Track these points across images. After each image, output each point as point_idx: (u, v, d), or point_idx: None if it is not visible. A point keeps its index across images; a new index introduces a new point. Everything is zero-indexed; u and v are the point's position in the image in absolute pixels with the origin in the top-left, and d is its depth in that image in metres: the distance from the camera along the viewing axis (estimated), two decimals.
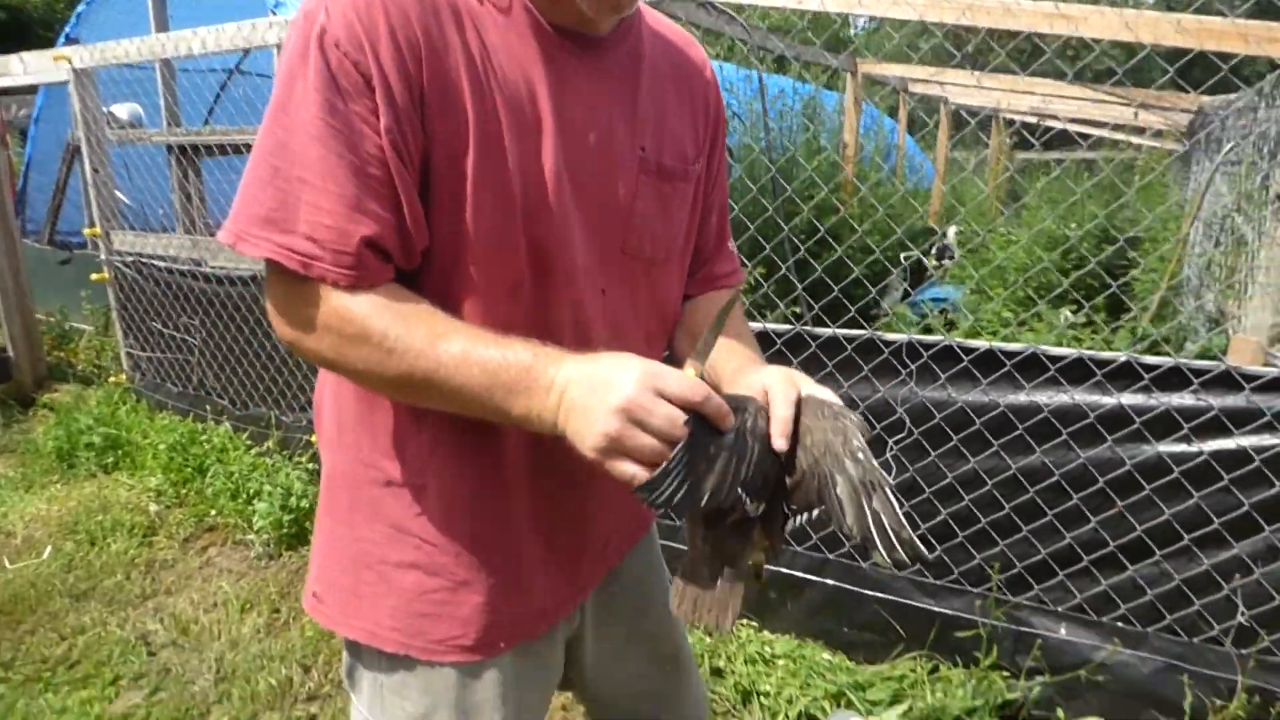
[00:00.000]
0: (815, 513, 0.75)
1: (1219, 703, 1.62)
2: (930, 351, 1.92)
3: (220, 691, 2.12)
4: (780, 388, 0.80)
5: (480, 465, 0.88)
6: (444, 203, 0.77)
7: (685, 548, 0.79)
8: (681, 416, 0.68)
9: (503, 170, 0.77)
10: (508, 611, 0.93)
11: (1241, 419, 1.62)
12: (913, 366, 1.94)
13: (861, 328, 2.04)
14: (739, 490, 0.71)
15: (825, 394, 0.81)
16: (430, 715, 0.92)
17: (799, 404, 0.79)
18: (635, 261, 0.92)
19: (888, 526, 0.68)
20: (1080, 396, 1.77)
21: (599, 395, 0.69)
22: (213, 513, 3.06)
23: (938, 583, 1.94)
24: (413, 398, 0.81)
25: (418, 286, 0.80)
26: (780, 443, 0.76)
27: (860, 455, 0.72)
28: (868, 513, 0.69)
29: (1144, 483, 1.70)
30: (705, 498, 0.69)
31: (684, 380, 0.71)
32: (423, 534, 0.89)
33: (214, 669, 2.21)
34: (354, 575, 0.92)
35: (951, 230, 5.18)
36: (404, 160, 0.74)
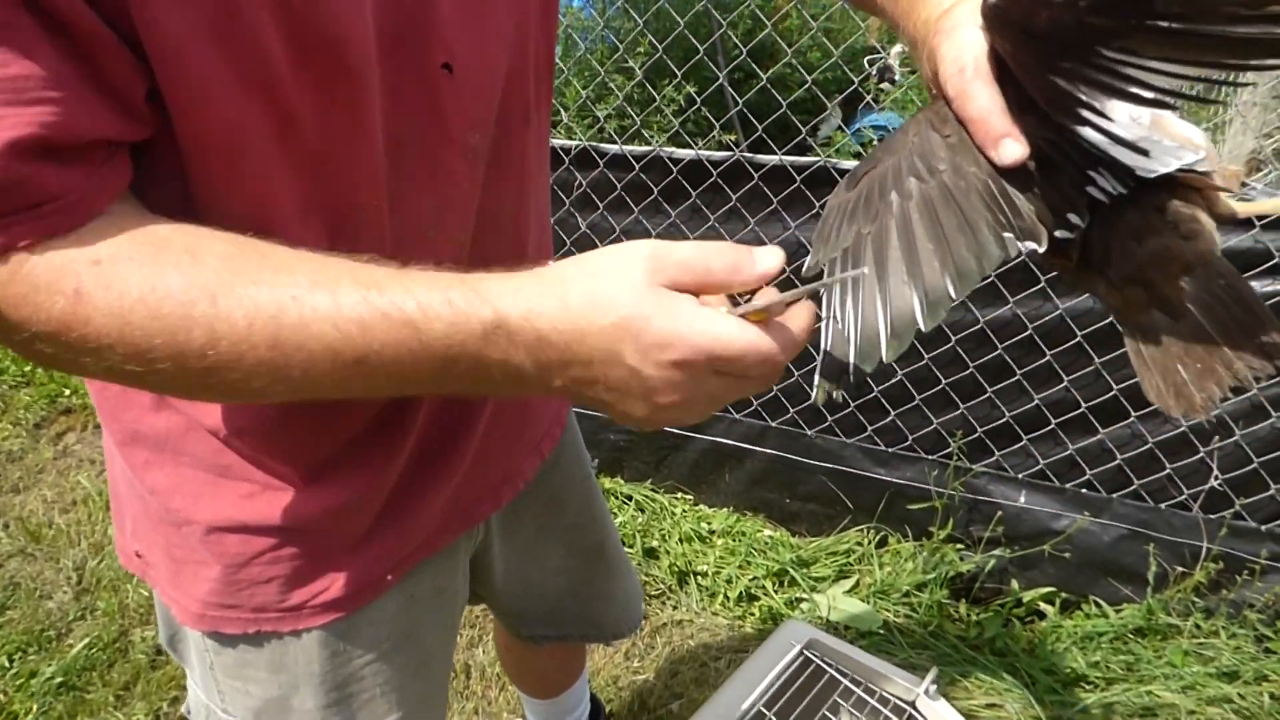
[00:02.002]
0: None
1: (1181, 570, 1.52)
2: None
3: (82, 606, 1.84)
4: (946, 71, 0.48)
5: None
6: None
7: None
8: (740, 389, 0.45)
9: None
10: (393, 541, 0.69)
11: (1243, 262, 1.41)
12: None
13: (811, 154, 1.71)
14: (1005, 235, 0.44)
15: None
16: (288, 699, 0.68)
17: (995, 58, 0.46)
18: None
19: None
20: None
21: (626, 397, 0.46)
22: (67, 392, 2.64)
23: (889, 450, 1.76)
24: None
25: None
26: (1004, 153, 0.45)
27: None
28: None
29: None
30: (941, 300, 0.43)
31: (747, 345, 0.43)
32: (255, 476, 0.62)
33: (74, 580, 1.92)
34: (162, 534, 0.65)
35: (895, 49, 4.74)
36: None
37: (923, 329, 0.43)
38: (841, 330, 0.45)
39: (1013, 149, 0.44)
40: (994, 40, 0.44)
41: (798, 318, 0.44)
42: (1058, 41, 0.39)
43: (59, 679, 1.63)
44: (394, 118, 0.52)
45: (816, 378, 0.46)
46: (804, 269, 0.49)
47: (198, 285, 0.40)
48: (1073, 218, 0.45)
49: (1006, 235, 0.44)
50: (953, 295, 0.43)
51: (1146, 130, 0.43)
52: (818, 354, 0.46)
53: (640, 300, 0.42)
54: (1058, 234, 0.45)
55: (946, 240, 0.44)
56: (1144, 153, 0.43)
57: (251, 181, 0.48)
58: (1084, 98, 0.40)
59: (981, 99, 0.45)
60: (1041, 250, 0.45)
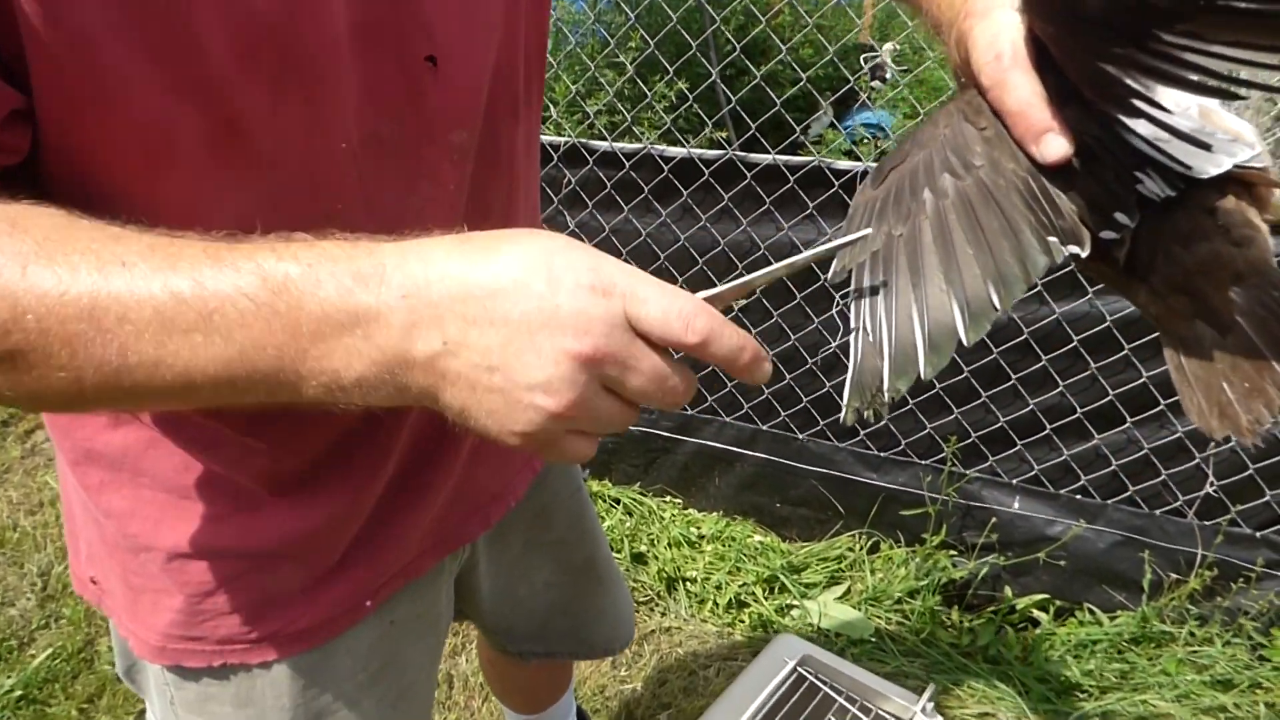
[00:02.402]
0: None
1: (1175, 577, 1.50)
2: None
3: (46, 613, 1.78)
4: (980, 58, 0.43)
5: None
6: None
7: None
8: (667, 371, 0.38)
9: None
10: (373, 565, 0.65)
11: None
12: None
13: (805, 154, 1.67)
14: (1052, 237, 0.40)
15: None
16: None
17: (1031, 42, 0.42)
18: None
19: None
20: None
21: (530, 341, 0.36)
22: None
23: (882, 455, 1.73)
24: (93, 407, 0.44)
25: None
26: (1047, 149, 0.41)
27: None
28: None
29: (1123, 341, 1.48)
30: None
31: (675, 305, 0.37)
32: (223, 496, 0.58)
33: (38, 586, 1.85)
34: (118, 560, 0.62)
35: (888, 47, 4.71)
36: None
37: (965, 343, 0.39)
38: (873, 343, 0.41)
39: (1057, 145, 0.40)
40: (1034, 23, 0.40)
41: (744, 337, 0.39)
42: (1110, 25, 0.35)
43: (19, 692, 1.56)
44: (370, 116, 0.48)
45: (846, 395, 0.41)
46: (830, 274, 0.45)
47: (9, 254, 0.34)
48: (1120, 217, 0.41)
49: (1051, 240, 0.40)
50: (997, 305, 0.39)
51: (1198, 122, 0.40)
52: (848, 368, 0.42)
53: (557, 238, 0.38)
54: (1102, 235, 0.41)
55: (988, 244, 0.40)
56: (1206, 146, 0.39)
57: (175, 193, 0.43)
58: (1139, 88, 0.36)
59: (1021, 89, 0.41)
60: (1085, 255, 0.41)
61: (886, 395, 0.40)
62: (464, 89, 0.52)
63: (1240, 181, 0.41)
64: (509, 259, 0.36)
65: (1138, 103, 0.37)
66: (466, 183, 0.57)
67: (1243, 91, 0.36)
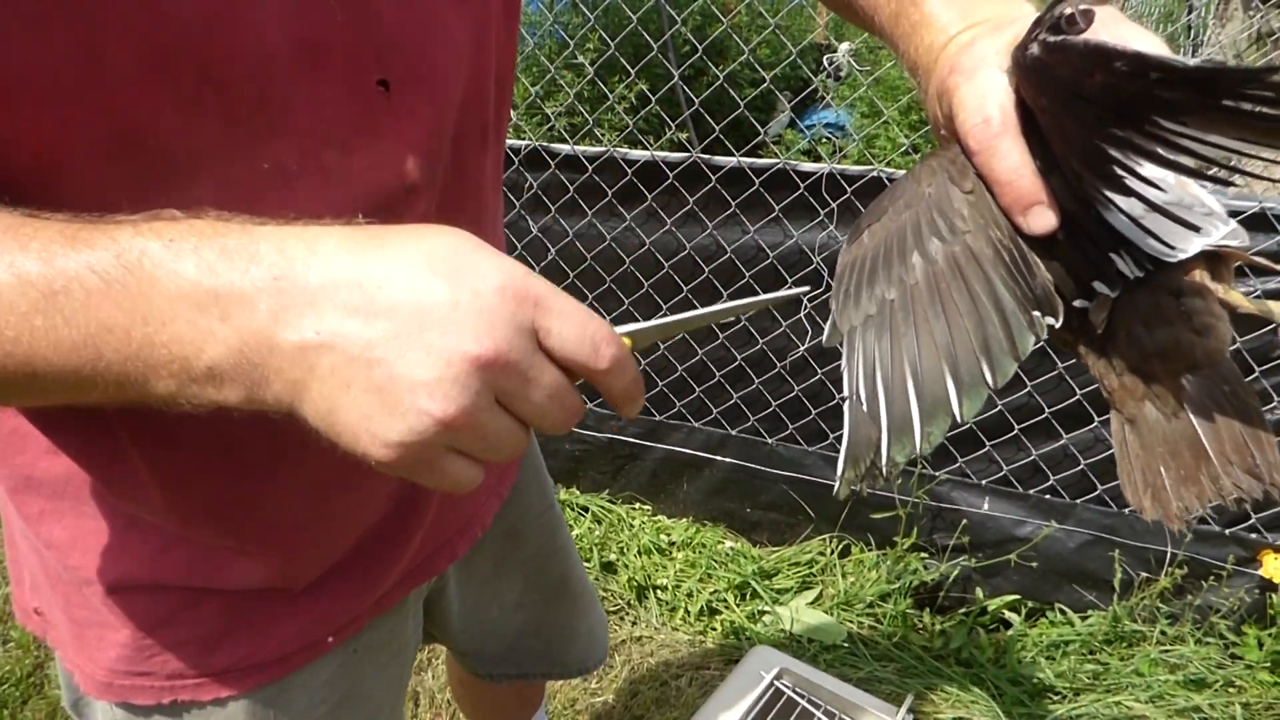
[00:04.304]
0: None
1: (1145, 575, 1.51)
2: (855, 185, 1.56)
3: None
4: (968, 120, 0.41)
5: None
6: None
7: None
8: (569, 388, 0.36)
9: None
10: (338, 600, 0.63)
11: None
12: (834, 205, 1.59)
13: (768, 156, 1.65)
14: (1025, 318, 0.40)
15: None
16: None
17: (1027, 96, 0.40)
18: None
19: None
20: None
21: (419, 337, 0.32)
22: None
23: None
24: None
25: None
26: (1034, 222, 0.40)
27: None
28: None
29: None
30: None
31: (589, 326, 0.35)
32: (170, 526, 0.55)
33: None
34: (60, 593, 0.59)
35: (844, 47, 4.74)
36: None
37: (959, 420, 0.38)
38: (866, 412, 0.39)
39: (1045, 219, 0.40)
40: (1028, 93, 0.39)
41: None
42: (1110, 107, 0.33)
43: None
44: (312, 142, 0.44)
45: (840, 466, 0.40)
46: (824, 338, 0.44)
47: None
48: (1100, 286, 0.41)
49: (1035, 314, 0.40)
50: (990, 382, 0.38)
51: (1177, 193, 0.39)
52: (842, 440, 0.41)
53: (469, 237, 0.35)
54: (1075, 303, 0.41)
55: (979, 316, 0.40)
56: (1190, 226, 0.38)
57: (76, 206, 0.39)
58: (1131, 165, 0.35)
59: (1011, 158, 0.40)
60: (1058, 325, 0.41)
61: (885, 469, 0.38)
62: (424, 118, 0.49)
63: (1208, 254, 0.41)
64: (409, 251, 0.33)
65: (1129, 180, 0.36)
66: (432, 217, 0.53)
67: (1238, 179, 0.35)
